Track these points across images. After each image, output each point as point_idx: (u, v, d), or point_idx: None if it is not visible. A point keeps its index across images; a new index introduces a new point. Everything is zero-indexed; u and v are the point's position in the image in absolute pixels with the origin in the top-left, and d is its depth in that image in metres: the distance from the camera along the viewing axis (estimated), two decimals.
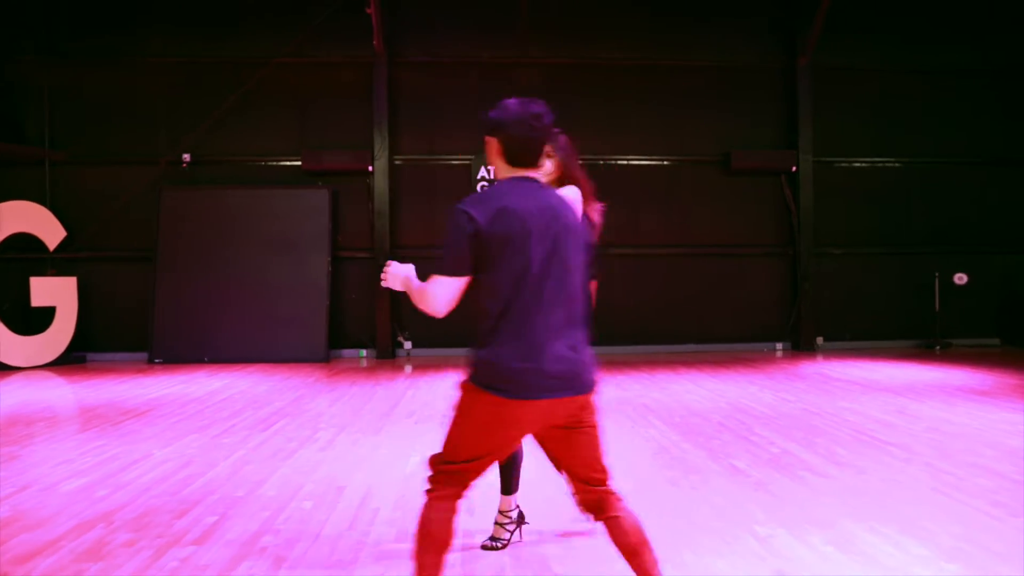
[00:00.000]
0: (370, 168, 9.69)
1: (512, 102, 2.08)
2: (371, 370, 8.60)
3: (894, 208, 10.39)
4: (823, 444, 4.59)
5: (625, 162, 10.19)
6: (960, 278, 10.19)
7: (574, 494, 2.11)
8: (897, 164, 10.45)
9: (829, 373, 7.90)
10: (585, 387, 1.97)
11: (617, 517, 2.01)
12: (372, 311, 9.70)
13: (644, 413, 5.71)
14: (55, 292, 9.20)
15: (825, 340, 10.30)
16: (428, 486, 2.04)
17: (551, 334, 1.94)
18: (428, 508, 2.00)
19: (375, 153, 9.67)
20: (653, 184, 10.22)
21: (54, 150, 9.63)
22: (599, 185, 9.57)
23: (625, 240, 10.04)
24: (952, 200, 10.51)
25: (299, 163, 9.67)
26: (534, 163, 2.05)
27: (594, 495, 2.04)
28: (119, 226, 9.71)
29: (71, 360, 9.26)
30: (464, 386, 2.02)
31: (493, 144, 2.08)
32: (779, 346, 10.30)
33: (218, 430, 5.21)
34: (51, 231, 9.33)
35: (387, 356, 9.63)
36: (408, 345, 9.87)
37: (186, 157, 9.67)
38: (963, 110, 10.53)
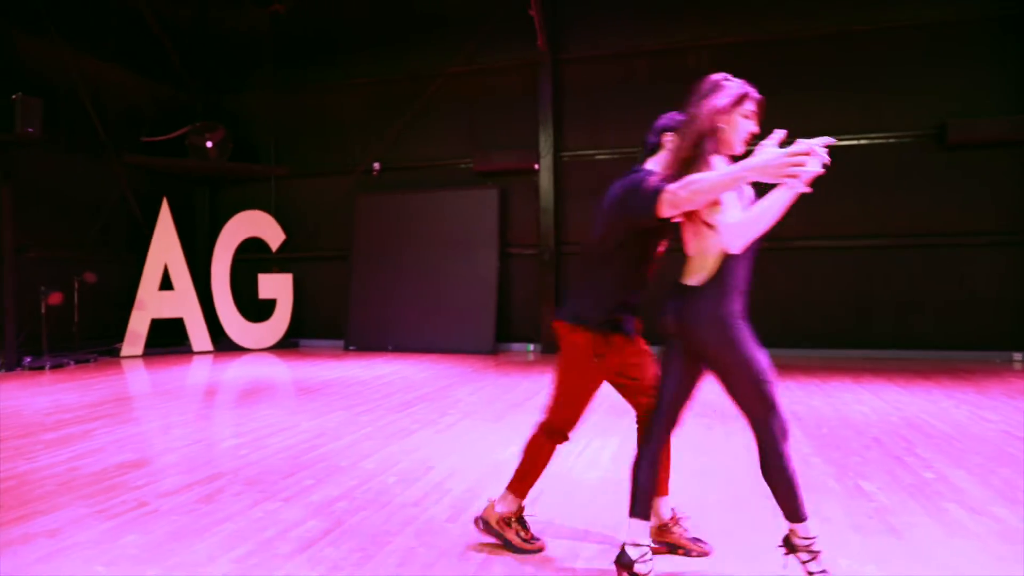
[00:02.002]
0: (536, 166, 9.91)
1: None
2: (531, 364, 8.79)
3: None
4: (1006, 476, 3.72)
5: None
6: None
7: None
8: None
9: None
10: (558, 315, 2.72)
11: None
12: (539, 306, 9.90)
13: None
14: (276, 287, 10.83)
15: None
16: None
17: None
18: None
19: (540, 151, 9.86)
20: (846, 167, 9.02)
21: (277, 166, 11.34)
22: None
23: (812, 231, 9.04)
24: None
25: (471, 165, 10.23)
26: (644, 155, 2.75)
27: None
28: (326, 230, 11.12)
29: (287, 345, 10.83)
30: None
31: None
32: (1019, 356, 8.47)
33: (362, 409, 5.73)
34: (274, 235, 10.99)
35: (552, 351, 9.76)
36: None
37: (376, 166, 10.77)
38: None
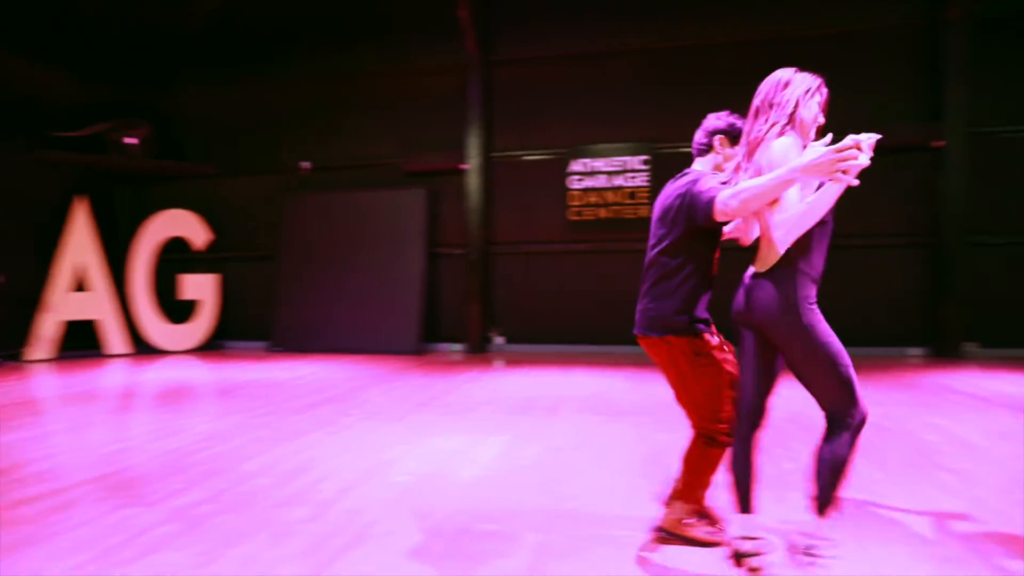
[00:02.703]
0: (465, 167, 9.92)
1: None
2: (455, 364, 8.80)
3: None
4: (859, 466, 3.89)
5: None
6: None
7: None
8: None
9: (954, 384, 6.66)
10: (644, 330, 2.71)
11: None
12: (466, 306, 9.92)
13: (678, 416, 5.23)
14: (200, 287, 10.58)
15: (982, 346, 8.69)
16: None
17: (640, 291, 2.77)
18: None
19: (469, 152, 9.89)
20: None
21: (205, 164, 11.07)
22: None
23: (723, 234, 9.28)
24: None
25: (400, 165, 10.18)
26: (694, 155, 2.84)
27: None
28: (255, 229, 10.93)
29: (212, 347, 10.59)
30: None
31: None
32: (915, 351, 8.88)
33: (265, 411, 5.65)
34: (200, 234, 10.73)
35: (478, 351, 9.79)
36: (500, 340, 9.95)
37: (305, 165, 10.62)
38: None
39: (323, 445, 4.47)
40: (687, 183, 2.61)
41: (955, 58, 8.49)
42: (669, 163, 9.46)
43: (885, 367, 7.83)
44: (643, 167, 9.40)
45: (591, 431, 4.79)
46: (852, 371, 2.35)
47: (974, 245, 8.70)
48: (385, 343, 9.72)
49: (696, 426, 2.67)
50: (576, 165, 9.63)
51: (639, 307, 2.75)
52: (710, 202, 2.42)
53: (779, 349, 2.43)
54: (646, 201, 9.39)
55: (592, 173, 9.57)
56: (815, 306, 2.36)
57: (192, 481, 3.70)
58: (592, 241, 9.65)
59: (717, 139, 2.74)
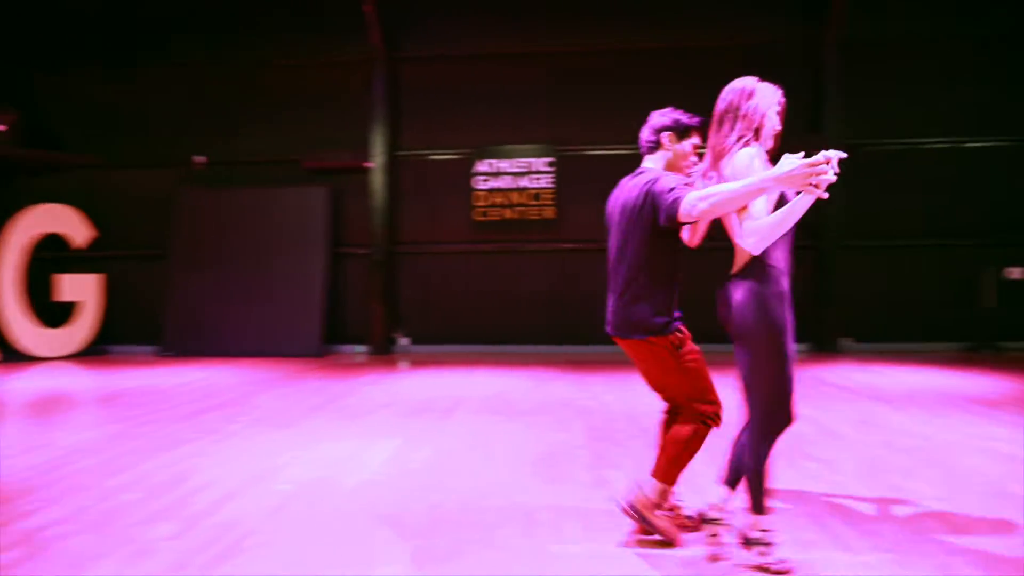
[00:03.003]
0: (369, 165, 9.73)
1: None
2: (358, 366, 8.61)
3: (938, 194, 9.30)
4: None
5: (630, 152, 9.67)
6: (1015, 272, 8.99)
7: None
8: (943, 145, 9.34)
9: (827, 377, 7.15)
10: (624, 333, 2.77)
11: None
12: (368, 307, 9.73)
13: (575, 415, 5.35)
14: (80, 288, 9.83)
15: (857, 341, 9.38)
16: None
17: (609, 289, 2.83)
18: None
19: (374, 150, 9.70)
20: None
21: (88, 155, 10.29)
22: (593, 175, 8.85)
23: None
24: (1006, 184, 9.30)
25: (301, 162, 9.85)
26: (643, 154, 2.89)
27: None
28: (143, 226, 10.26)
29: (94, 352, 9.87)
30: None
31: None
32: (799, 347, 9.47)
33: (145, 420, 5.31)
34: (80, 231, 9.97)
35: (382, 352, 9.63)
36: (405, 341, 9.83)
37: (200, 159, 10.08)
38: (1018, 83, 9.30)
39: (203, 455, 4.24)
40: (647, 182, 2.66)
41: (831, 75, 9.11)
42: (574, 165, 9.66)
43: None
44: (548, 169, 9.54)
45: (486, 432, 4.80)
46: (793, 378, 2.45)
47: (848, 248, 9.37)
48: (285, 346, 9.38)
49: (688, 408, 2.73)
50: (482, 165, 9.65)
51: (612, 308, 2.79)
52: (676, 202, 2.47)
53: (743, 343, 2.48)
54: (551, 202, 9.53)
55: (498, 174, 9.62)
56: (784, 302, 2.45)
57: (48, 500, 3.41)
58: (497, 241, 9.70)
59: (665, 136, 2.80)
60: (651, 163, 2.83)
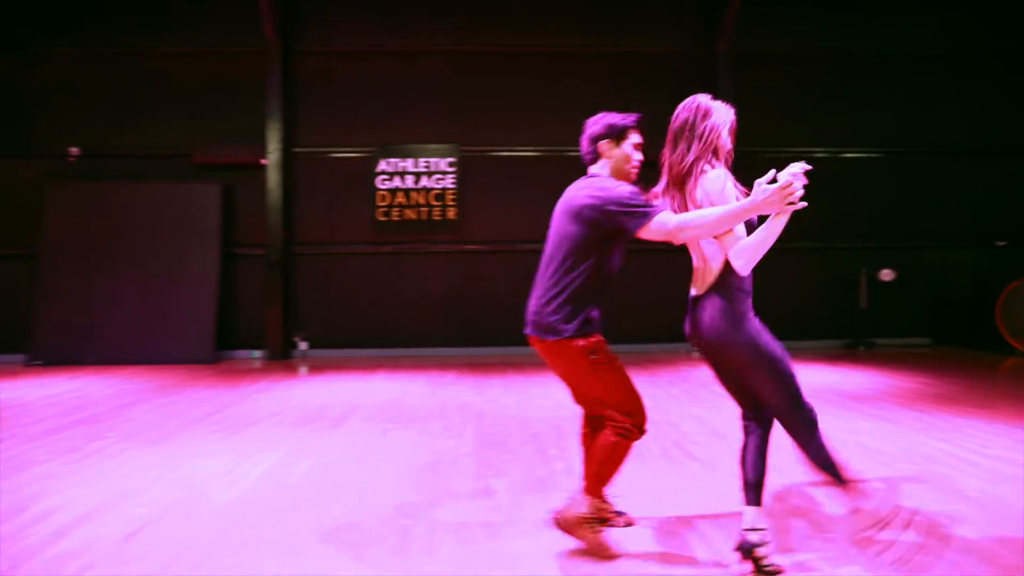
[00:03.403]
0: (263, 161, 9.30)
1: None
2: (253, 372, 8.21)
3: (820, 201, 9.84)
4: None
5: (533, 153, 9.73)
6: (887, 274, 9.69)
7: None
8: (822, 154, 9.93)
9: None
10: (540, 332, 2.75)
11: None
12: (266, 310, 9.30)
13: (468, 421, 5.29)
14: None
15: None
16: None
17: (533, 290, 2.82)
18: None
19: (268, 146, 9.28)
20: (561, 175, 9.74)
21: None
22: (496, 177, 8.72)
23: (533, 235, 9.61)
24: (880, 192, 10.02)
25: (190, 157, 9.29)
26: (586, 164, 2.89)
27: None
28: (6, 222, 9.37)
29: None
30: None
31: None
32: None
33: (1, 438, 4.82)
34: None
35: (280, 357, 9.24)
36: (304, 346, 9.47)
37: (73, 151, 9.32)
38: (891, 98, 10.04)
39: (56, 478, 3.88)
40: (597, 188, 2.64)
41: (723, 85, 9.49)
42: (477, 166, 9.61)
43: (667, 361, 8.56)
44: (451, 169, 9.44)
45: (375, 441, 4.66)
46: (794, 372, 2.49)
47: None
48: (173, 352, 8.82)
49: (608, 421, 2.71)
50: (384, 164, 9.43)
51: (533, 308, 2.77)
52: (646, 217, 2.51)
53: (725, 363, 2.55)
54: (453, 203, 9.44)
55: (400, 173, 9.43)
56: (753, 317, 2.50)
57: None
58: (399, 242, 9.51)
59: (603, 144, 2.79)
60: (598, 170, 2.82)
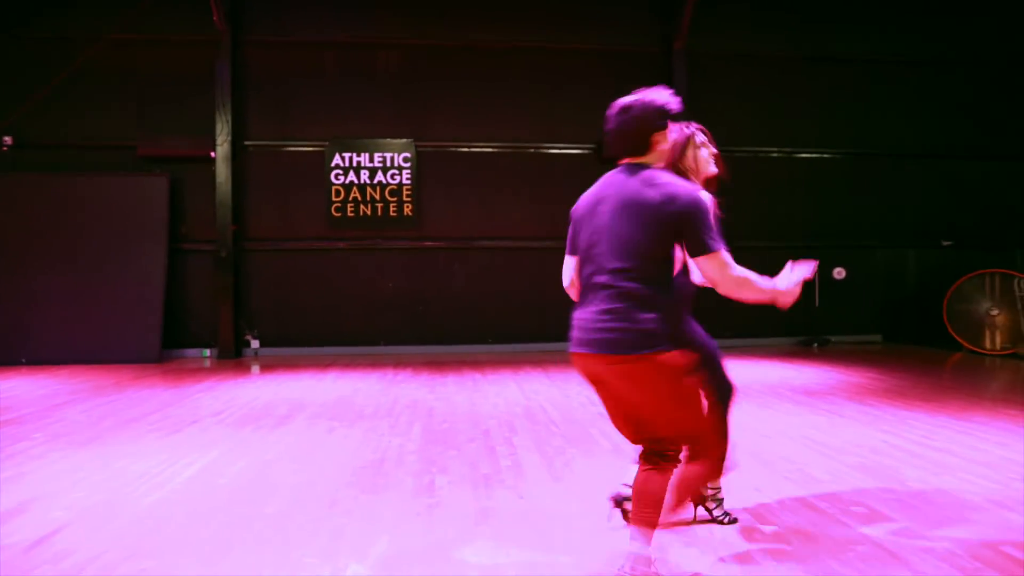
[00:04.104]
0: (212, 154, 9.01)
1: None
2: (201, 371, 7.93)
3: (775, 200, 10.01)
4: (569, 456, 4.08)
5: (490, 149, 9.64)
6: (839, 273, 9.87)
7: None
8: (777, 154, 10.07)
9: None
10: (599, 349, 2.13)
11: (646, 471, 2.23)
12: (215, 307, 9.02)
13: (417, 418, 5.16)
14: None
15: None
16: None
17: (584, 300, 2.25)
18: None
19: (218, 138, 8.99)
20: (525, 172, 9.69)
21: None
22: (454, 173, 8.56)
23: (490, 232, 9.54)
24: (833, 193, 10.19)
25: (135, 148, 8.95)
26: (622, 153, 2.26)
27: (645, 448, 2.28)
28: None
29: None
30: None
31: None
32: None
33: None
34: None
35: (230, 356, 8.96)
36: (256, 344, 9.21)
37: (7, 140, 8.89)
38: (843, 101, 10.22)
39: None
40: (695, 197, 2.12)
41: (679, 84, 9.55)
42: (434, 162, 9.48)
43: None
44: (407, 164, 9.29)
45: (318, 440, 4.50)
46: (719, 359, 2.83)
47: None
48: (117, 351, 8.47)
49: (695, 456, 2.31)
50: (338, 159, 9.23)
51: (601, 317, 2.14)
52: (716, 252, 2.09)
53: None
54: (409, 199, 9.28)
55: (355, 168, 9.24)
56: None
57: None
58: (354, 239, 9.32)
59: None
60: (652, 161, 2.26)
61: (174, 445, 4.35)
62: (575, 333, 2.23)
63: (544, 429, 4.74)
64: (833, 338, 9.98)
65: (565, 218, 8.39)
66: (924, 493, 3.35)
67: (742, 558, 2.56)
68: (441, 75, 9.54)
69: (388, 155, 9.26)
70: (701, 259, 2.13)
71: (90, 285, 8.64)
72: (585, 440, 4.41)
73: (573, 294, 2.40)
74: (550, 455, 4.07)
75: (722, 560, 2.55)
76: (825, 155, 10.24)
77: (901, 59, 10.34)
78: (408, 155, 9.28)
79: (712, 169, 2.82)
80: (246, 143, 9.22)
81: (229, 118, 8.97)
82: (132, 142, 8.94)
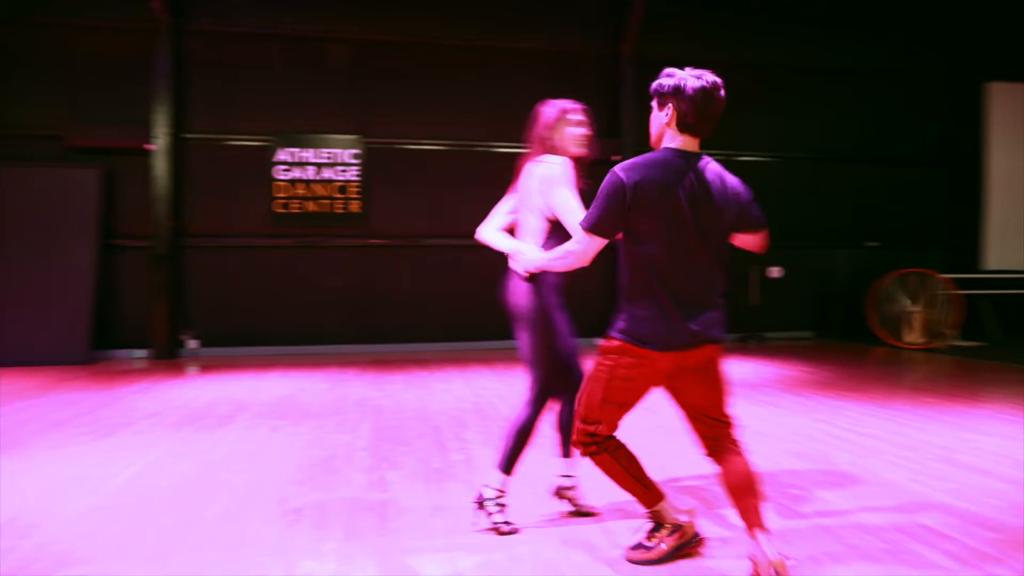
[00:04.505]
0: (149, 146, 8.66)
1: (687, 70, 2.32)
2: (131, 373, 7.60)
3: None
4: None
5: (439, 147, 9.61)
6: (775, 271, 10.27)
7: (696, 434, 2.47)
8: (719, 157, 10.33)
9: None
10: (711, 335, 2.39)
11: (728, 460, 2.38)
12: (150, 306, 8.67)
13: (366, 416, 5.11)
14: None
15: None
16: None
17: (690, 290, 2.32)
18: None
19: (156, 130, 8.65)
20: (474, 169, 9.70)
21: None
22: (402, 170, 8.46)
23: (439, 231, 9.51)
24: (770, 194, 10.55)
25: (67, 138, 8.50)
26: (704, 134, 2.31)
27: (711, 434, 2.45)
28: None
29: None
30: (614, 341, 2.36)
31: (668, 110, 2.32)
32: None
33: None
34: None
35: (167, 357, 8.63)
36: (194, 344, 8.90)
37: None
38: (778, 106, 10.64)
39: None
40: (734, 179, 2.40)
41: (627, 86, 9.75)
42: (382, 158, 9.37)
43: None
44: (354, 161, 9.16)
45: (263, 439, 4.40)
46: (572, 355, 2.89)
47: None
48: (41, 352, 8.03)
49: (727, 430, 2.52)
50: (283, 154, 9.01)
51: (704, 310, 2.32)
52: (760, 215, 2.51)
53: (523, 325, 2.88)
54: (357, 196, 9.15)
55: (301, 164, 9.04)
56: (557, 290, 2.87)
57: None
58: (300, 236, 9.12)
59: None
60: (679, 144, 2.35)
61: (108, 448, 4.17)
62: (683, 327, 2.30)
63: (494, 424, 4.77)
64: (770, 335, 10.37)
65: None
66: (853, 475, 3.55)
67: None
68: (390, 71, 9.44)
69: (336, 151, 9.10)
70: None
71: (12, 283, 8.16)
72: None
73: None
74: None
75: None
76: (763, 159, 10.64)
77: (832, 69, 10.84)
78: (356, 151, 9.14)
79: (574, 149, 2.90)
80: (186, 135, 8.89)
81: (169, 109, 8.63)
82: (62, 132, 8.49)
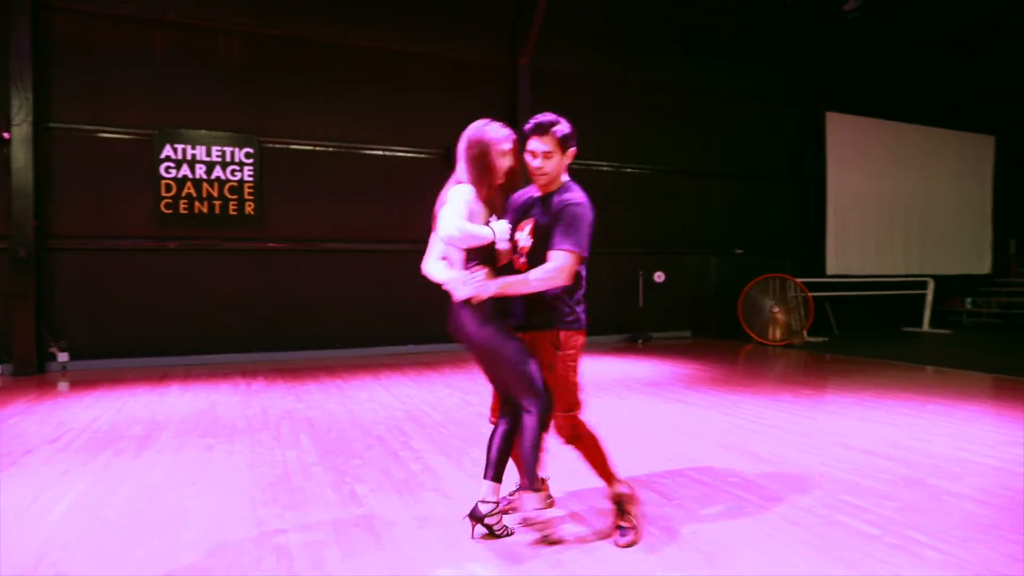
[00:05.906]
0: (7, 135, 7.71)
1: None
2: None
3: (605, 211, 10.91)
4: (476, 456, 4.25)
5: (338, 149, 9.39)
6: (659, 276, 11.10)
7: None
8: (607, 168, 11.05)
9: None
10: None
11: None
12: (11, 315, 7.72)
13: (300, 429, 4.98)
14: None
15: None
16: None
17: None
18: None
19: (14, 118, 7.71)
20: (375, 175, 9.57)
21: None
22: (299, 172, 8.12)
23: (338, 235, 9.31)
24: (652, 204, 11.44)
25: None
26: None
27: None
28: None
29: None
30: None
31: (571, 152, 2.99)
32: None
33: None
34: None
35: (32, 371, 7.73)
36: (64, 357, 8.04)
37: None
38: (658, 123, 11.52)
39: None
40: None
41: (524, 97, 10.09)
42: (277, 159, 9.01)
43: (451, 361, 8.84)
44: (248, 160, 8.71)
45: (201, 458, 4.17)
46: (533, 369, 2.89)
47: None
48: None
49: (565, 406, 2.80)
50: (169, 151, 8.38)
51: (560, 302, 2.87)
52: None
53: (477, 352, 2.93)
54: (251, 197, 8.72)
55: (189, 162, 8.45)
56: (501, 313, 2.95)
57: None
58: (187, 239, 8.53)
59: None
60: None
61: (17, 482, 3.76)
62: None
63: (435, 431, 4.85)
64: (654, 335, 11.18)
65: (414, 221, 8.94)
66: (775, 462, 4.05)
67: (665, 527, 2.94)
68: (288, 69, 9.07)
69: (228, 149, 8.60)
70: None
71: None
72: (480, 439, 4.59)
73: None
74: (455, 456, 4.21)
75: (651, 525, 2.91)
76: (645, 171, 11.44)
77: (707, 92, 11.90)
78: (250, 151, 8.69)
79: (498, 179, 2.97)
80: (51, 125, 7.99)
81: (29, 95, 7.72)
82: None
